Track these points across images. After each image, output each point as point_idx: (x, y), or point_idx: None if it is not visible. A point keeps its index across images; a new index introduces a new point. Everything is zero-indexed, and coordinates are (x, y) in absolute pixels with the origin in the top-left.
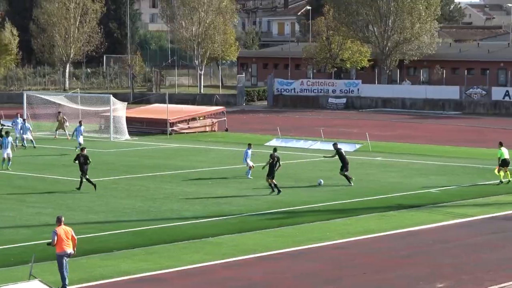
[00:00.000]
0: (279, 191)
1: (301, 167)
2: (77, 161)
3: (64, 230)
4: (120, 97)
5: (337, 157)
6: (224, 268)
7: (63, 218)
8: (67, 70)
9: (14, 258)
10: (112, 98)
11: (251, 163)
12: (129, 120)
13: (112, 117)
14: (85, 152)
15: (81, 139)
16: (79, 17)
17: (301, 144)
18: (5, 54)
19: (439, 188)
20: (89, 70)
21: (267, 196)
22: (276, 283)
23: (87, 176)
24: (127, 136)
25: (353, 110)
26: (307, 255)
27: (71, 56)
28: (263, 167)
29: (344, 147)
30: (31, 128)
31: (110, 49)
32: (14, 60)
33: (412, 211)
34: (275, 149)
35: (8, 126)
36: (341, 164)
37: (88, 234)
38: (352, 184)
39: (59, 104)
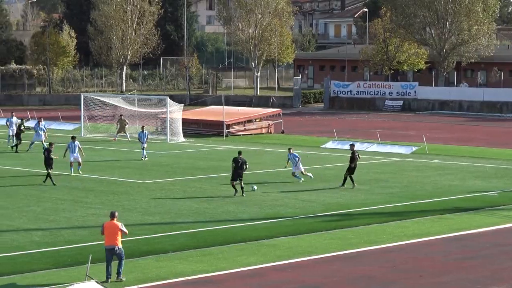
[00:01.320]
0: (242, 194)
1: (357, 170)
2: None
3: (111, 224)
4: (177, 98)
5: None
6: (278, 271)
7: (116, 214)
8: (124, 72)
9: (71, 259)
10: (168, 99)
11: (301, 167)
12: (185, 122)
13: (168, 119)
14: (53, 148)
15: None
16: (136, 19)
17: (357, 146)
18: (63, 56)
19: (497, 191)
20: (146, 72)
21: (322, 198)
22: (331, 286)
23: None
24: (183, 138)
25: (410, 113)
26: (362, 257)
27: (128, 58)
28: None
29: (401, 150)
30: (45, 130)
31: (167, 51)
32: (71, 62)
33: (469, 214)
34: (239, 152)
35: (27, 127)
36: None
37: (144, 235)
38: (344, 187)
39: (116, 106)
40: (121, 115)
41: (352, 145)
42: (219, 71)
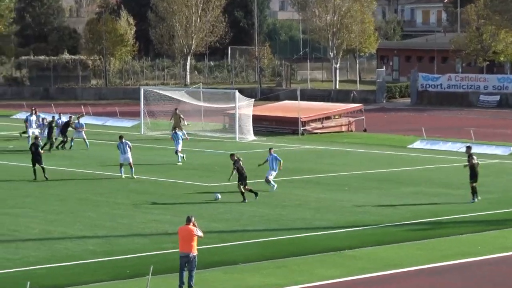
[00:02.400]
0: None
1: (449, 172)
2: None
3: (185, 229)
4: (246, 92)
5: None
6: (360, 285)
7: (193, 219)
8: (188, 63)
9: (130, 270)
10: (237, 94)
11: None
12: (256, 119)
13: (237, 115)
14: (39, 141)
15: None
16: (201, 5)
17: (449, 146)
18: (121, 46)
19: None
20: (212, 63)
21: (410, 204)
22: None
23: (43, 165)
24: (253, 136)
25: (508, 109)
26: (456, 271)
27: (193, 47)
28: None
29: (498, 151)
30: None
31: (236, 40)
32: (130, 52)
33: None
34: (232, 154)
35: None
36: (469, 173)
37: (211, 244)
38: (477, 200)
39: (179, 101)
40: (175, 109)
41: (468, 148)
42: (293, 62)
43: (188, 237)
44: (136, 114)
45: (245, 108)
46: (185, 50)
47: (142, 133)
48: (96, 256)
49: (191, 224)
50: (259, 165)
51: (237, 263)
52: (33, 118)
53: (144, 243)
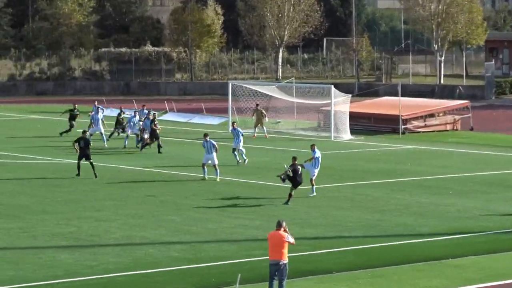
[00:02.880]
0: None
1: None
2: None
3: (275, 235)
4: (343, 88)
5: None
6: None
7: (284, 224)
8: (279, 56)
9: (216, 279)
10: (333, 89)
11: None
12: (353, 116)
13: (333, 112)
14: (87, 135)
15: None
16: None
17: None
18: (207, 37)
19: None
20: (306, 56)
21: None
22: None
23: (91, 161)
24: (350, 135)
25: None
26: None
27: (285, 39)
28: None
29: None
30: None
31: (332, 31)
32: (217, 44)
33: None
34: (294, 158)
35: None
36: None
37: (303, 251)
38: None
39: (270, 96)
40: (257, 105)
41: None
42: (394, 55)
43: (278, 243)
44: (223, 111)
45: (341, 105)
46: (276, 41)
47: (230, 131)
48: (179, 263)
49: (282, 229)
50: (305, 161)
51: (331, 272)
52: (136, 118)
53: (231, 250)
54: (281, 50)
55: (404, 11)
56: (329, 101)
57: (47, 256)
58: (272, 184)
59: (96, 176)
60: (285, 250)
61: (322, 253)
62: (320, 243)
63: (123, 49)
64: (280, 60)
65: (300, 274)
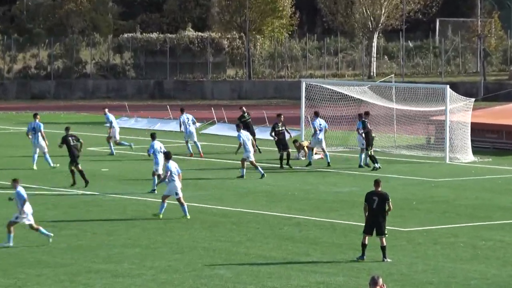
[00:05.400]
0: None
1: None
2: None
3: None
4: (463, 89)
5: None
6: None
7: (379, 281)
8: (374, 44)
9: None
10: (449, 90)
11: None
12: (476, 129)
13: (448, 123)
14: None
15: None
16: None
17: None
18: (272, 17)
19: None
20: (411, 44)
21: None
22: None
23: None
24: (472, 156)
25: None
26: None
27: (382, 20)
28: None
29: None
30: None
31: (447, 9)
32: (286, 27)
33: None
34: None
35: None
36: None
37: None
38: None
39: (360, 101)
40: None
41: None
42: None
43: None
44: (293, 121)
45: (461, 113)
46: (369, 24)
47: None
48: None
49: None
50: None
51: None
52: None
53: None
54: (375, 37)
55: None
56: (443, 108)
57: None
58: (359, 224)
59: (86, 184)
60: None
61: None
62: None
63: (154, 35)
64: (374, 50)
65: None
